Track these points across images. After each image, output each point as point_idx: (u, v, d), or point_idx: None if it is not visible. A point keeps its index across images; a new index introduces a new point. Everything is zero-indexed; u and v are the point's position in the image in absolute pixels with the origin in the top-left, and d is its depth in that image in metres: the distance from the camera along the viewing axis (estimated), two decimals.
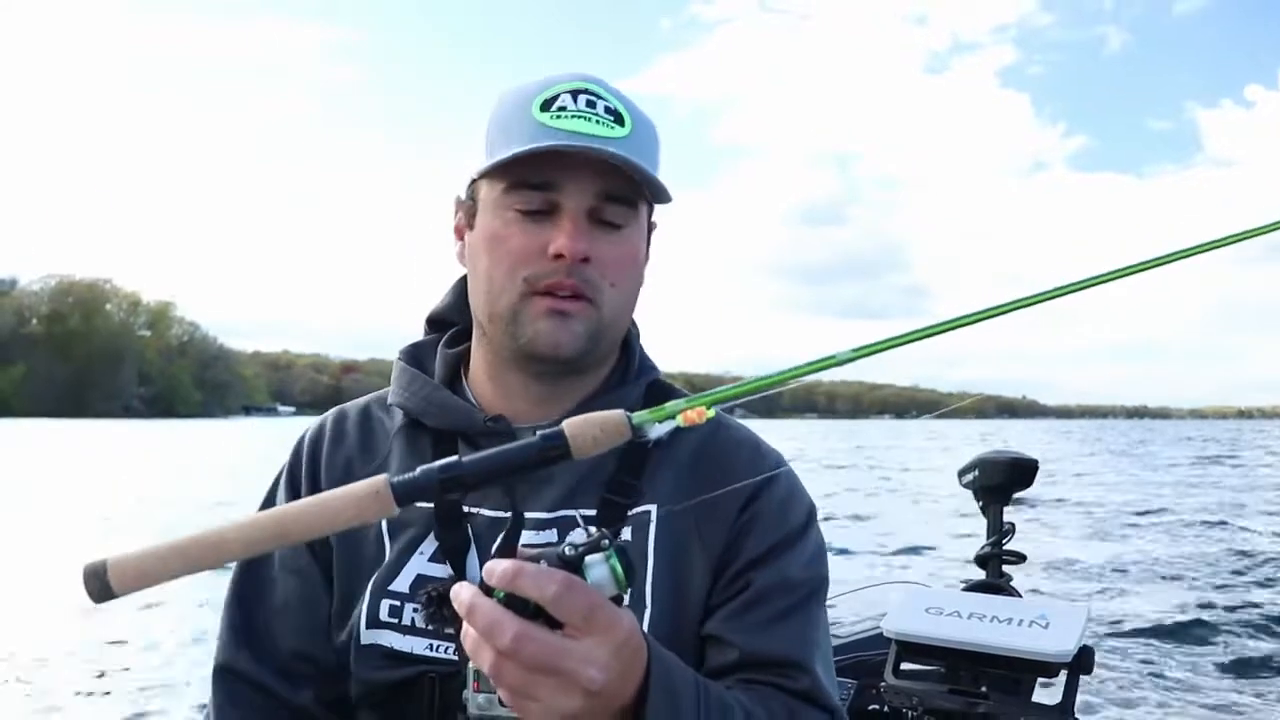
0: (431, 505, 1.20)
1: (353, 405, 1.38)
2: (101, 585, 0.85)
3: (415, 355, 1.36)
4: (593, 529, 0.92)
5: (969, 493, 3.20)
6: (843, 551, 10.54)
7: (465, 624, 0.86)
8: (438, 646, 1.19)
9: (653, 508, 1.23)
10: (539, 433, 0.88)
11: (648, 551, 1.21)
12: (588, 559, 0.87)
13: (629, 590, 0.89)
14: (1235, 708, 5.59)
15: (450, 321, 1.39)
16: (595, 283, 1.19)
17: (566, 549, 0.87)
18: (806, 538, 1.27)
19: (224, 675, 1.27)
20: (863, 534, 12.62)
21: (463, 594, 0.86)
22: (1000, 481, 3.08)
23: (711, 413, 0.85)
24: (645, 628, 1.15)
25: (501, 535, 0.93)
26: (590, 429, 0.87)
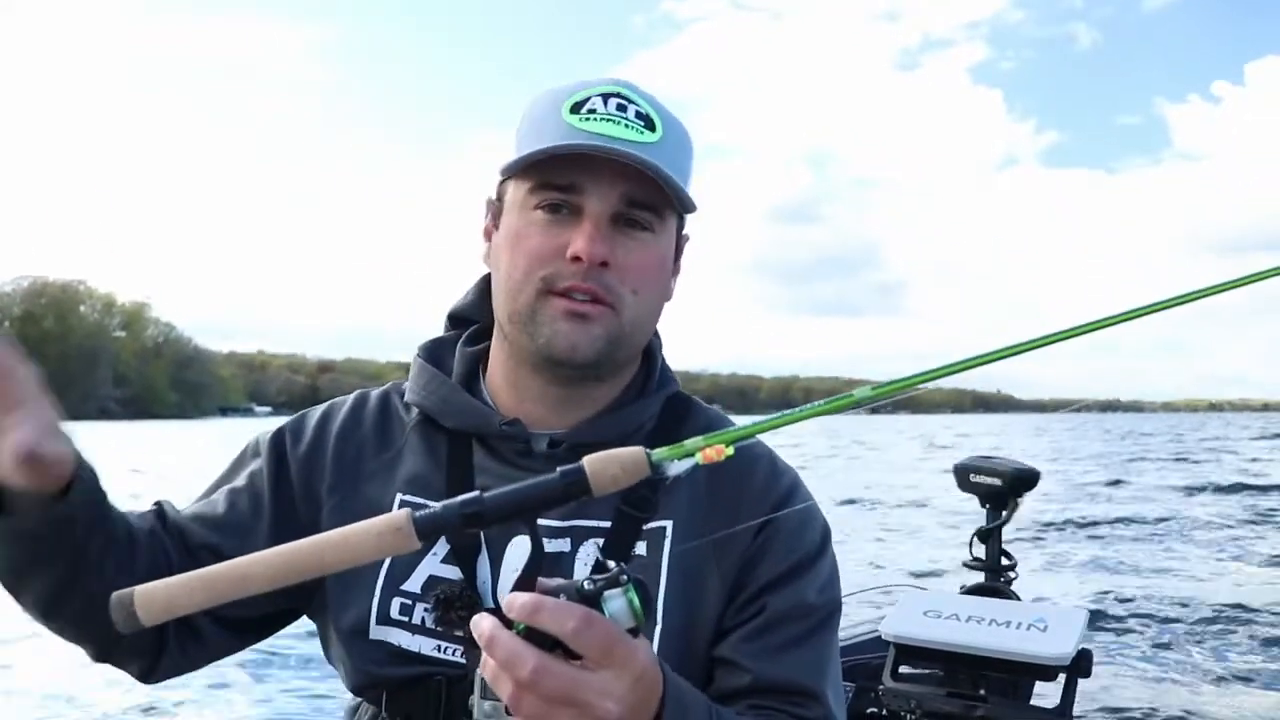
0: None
1: (375, 392, 1.38)
2: (128, 615, 0.86)
3: (435, 352, 1.35)
4: (611, 563, 0.91)
5: (963, 495, 3.24)
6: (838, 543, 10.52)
7: (485, 654, 0.87)
8: (446, 649, 1.19)
9: (668, 523, 1.22)
10: (560, 469, 0.88)
11: (661, 567, 1.21)
12: (606, 594, 0.88)
13: (646, 623, 0.90)
14: (1235, 711, 5.61)
15: (471, 319, 1.38)
16: (615, 288, 1.18)
17: (586, 583, 0.89)
18: (822, 561, 1.27)
19: (156, 505, 1.29)
20: (860, 534, 12.61)
21: (483, 625, 0.87)
22: (1001, 489, 3.11)
23: (730, 450, 0.86)
24: (655, 644, 1.17)
25: (523, 566, 0.94)
26: (610, 467, 0.88)
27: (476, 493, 0.90)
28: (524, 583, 0.93)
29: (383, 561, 1.21)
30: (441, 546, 1.22)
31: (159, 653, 1.21)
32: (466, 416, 1.26)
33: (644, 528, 1.22)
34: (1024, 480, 3.11)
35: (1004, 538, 3.12)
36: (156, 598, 0.86)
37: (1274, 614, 7.93)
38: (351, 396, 1.38)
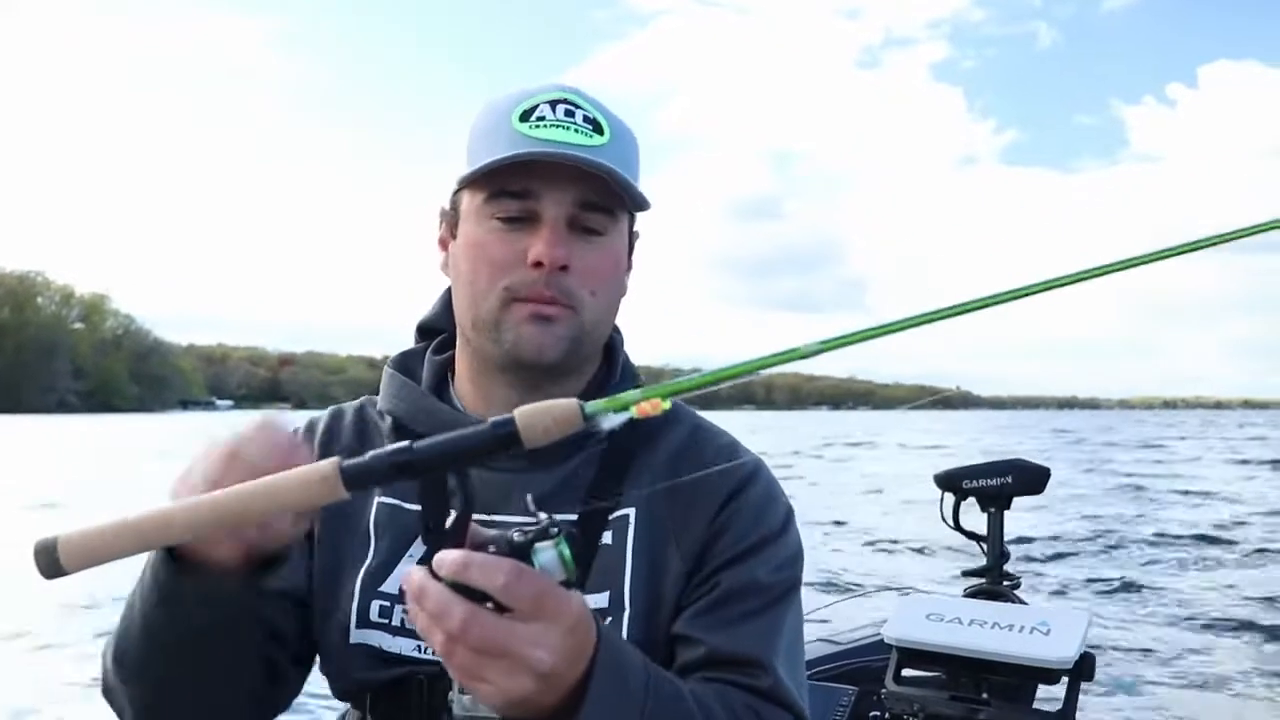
0: (420, 508, 1.23)
1: (349, 406, 1.39)
2: (51, 561, 0.85)
3: (404, 363, 1.38)
4: (542, 515, 0.90)
5: (943, 497, 3.24)
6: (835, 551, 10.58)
7: (415, 606, 0.87)
8: (425, 648, 1.20)
9: (631, 511, 1.25)
10: (491, 420, 0.86)
11: (626, 554, 1.23)
12: (536, 545, 0.88)
13: (577, 575, 0.90)
14: (1239, 714, 5.67)
15: (439, 329, 1.40)
16: (574, 291, 1.20)
17: (516, 534, 0.88)
18: (782, 540, 1.28)
19: None
20: (854, 537, 12.65)
21: (414, 576, 0.87)
22: (1008, 488, 3.12)
23: (667, 404, 0.83)
24: (624, 629, 1.20)
25: (450, 521, 0.92)
26: (542, 418, 0.85)
27: (407, 443, 0.88)
28: (454, 538, 0.89)
29: (359, 566, 1.24)
30: (418, 548, 1.23)
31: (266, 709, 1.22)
32: (437, 421, 1.27)
33: (610, 517, 1.24)
34: (1034, 478, 3.11)
35: (1003, 555, 3.12)
36: (77, 545, 0.85)
37: (1275, 612, 8.06)
38: (328, 411, 1.40)
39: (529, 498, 1.19)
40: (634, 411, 0.83)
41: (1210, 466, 25.62)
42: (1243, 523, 13.84)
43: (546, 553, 0.88)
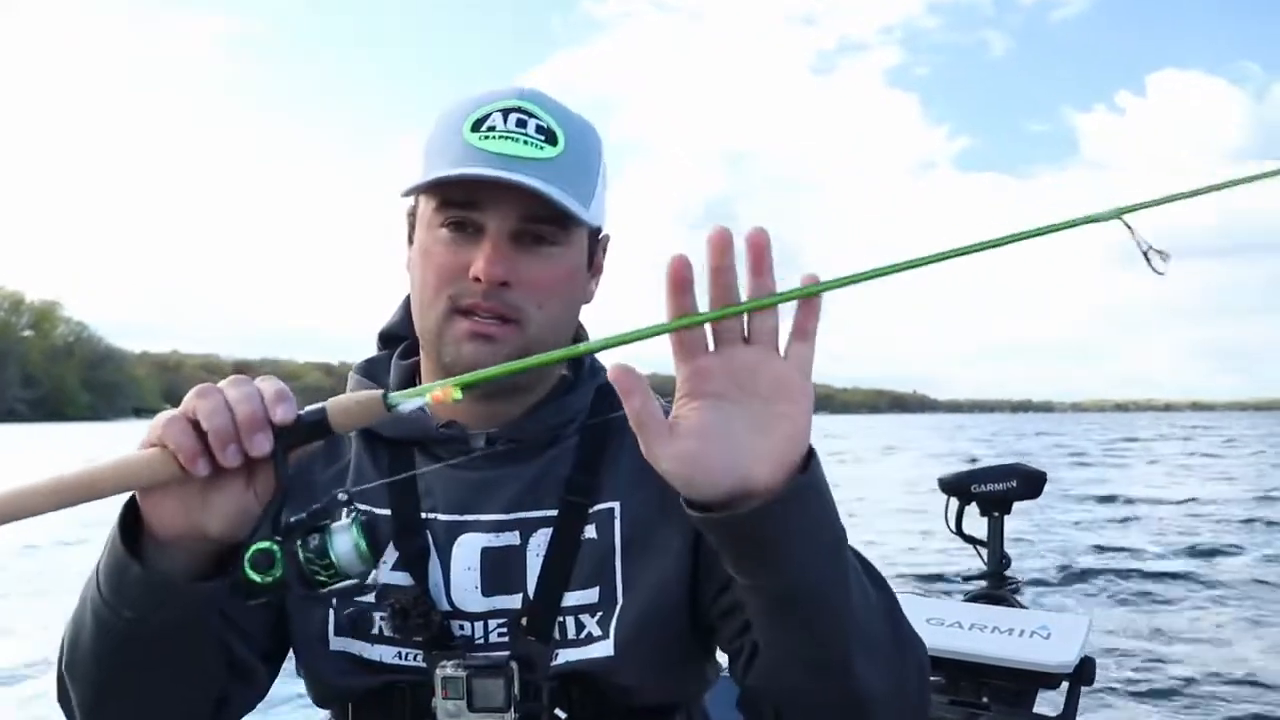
0: (391, 512, 1.23)
1: None
2: None
3: (369, 370, 1.37)
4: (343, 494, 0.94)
5: (948, 502, 3.24)
6: None
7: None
8: (405, 654, 1.21)
9: (615, 504, 1.24)
10: (299, 411, 0.90)
11: (615, 547, 1.22)
12: (333, 526, 0.92)
13: (372, 563, 0.92)
14: (1241, 717, 5.69)
15: (401, 336, 1.39)
16: (519, 305, 1.18)
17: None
18: None
19: None
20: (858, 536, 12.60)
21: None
22: (1002, 493, 3.12)
23: (458, 394, 0.86)
24: (614, 619, 1.20)
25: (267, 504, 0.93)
26: (348, 405, 0.90)
27: None
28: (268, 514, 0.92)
29: None
30: (391, 554, 1.23)
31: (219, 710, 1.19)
32: (405, 424, 1.26)
33: (591, 510, 1.24)
34: (1031, 482, 3.12)
35: (1004, 559, 3.12)
36: None
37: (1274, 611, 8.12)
38: None
39: (545, 534, 1.22)
40: (429, 399, 0.87)
41: (1193, 470, 25.81)
42: (1244, 521, 13.99)
43: (341, 535, 0.91)
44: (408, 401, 0.88)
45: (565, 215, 1.18)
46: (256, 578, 0.90)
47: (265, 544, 0.90)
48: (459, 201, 1.18)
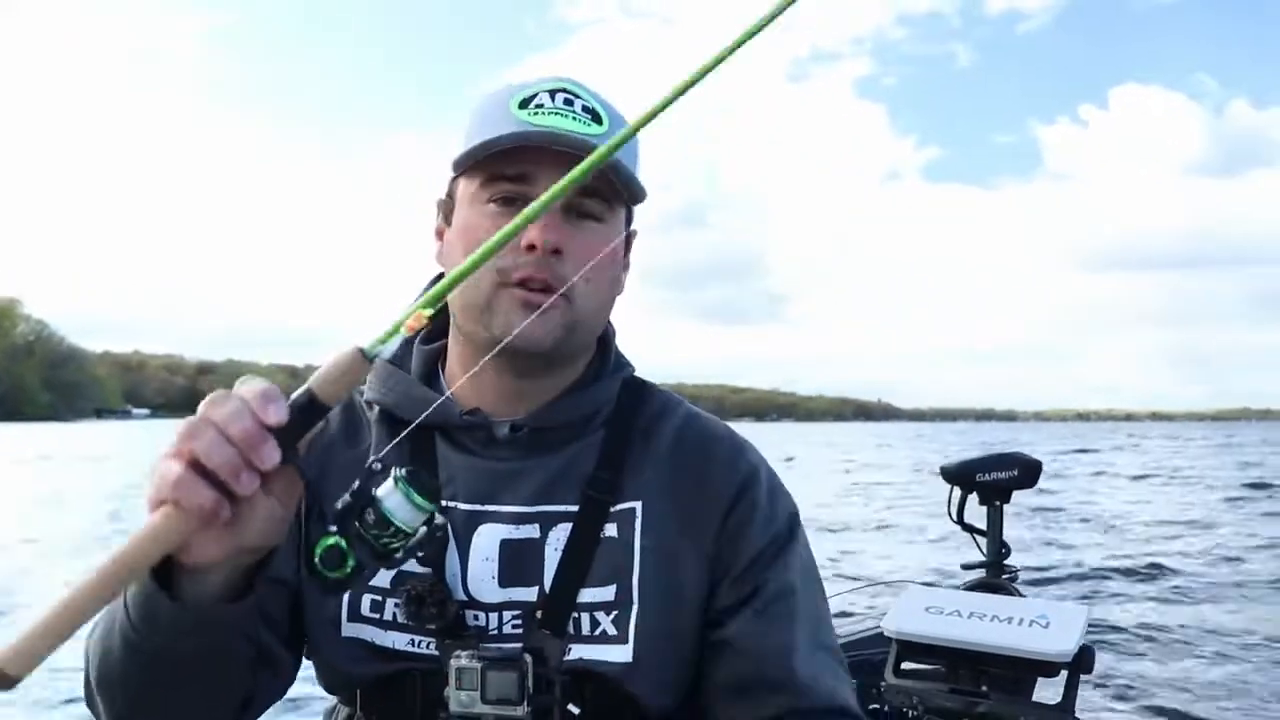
0: None
1: None
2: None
3: (393, 357, 1.36)
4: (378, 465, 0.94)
5: (951, 491, 3.25)
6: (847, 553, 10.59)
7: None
8: (419, 642, 1.20)
9: (638, 504, 1.24)
10: (292, 396, 0.87)
11: (634, 548, 1.22)
12: (379, 495, 0.90)
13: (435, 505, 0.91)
14: (1237, 708, 5.71)
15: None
16: (568, 276, 1.19)
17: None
18: (798, 533, 1.31)
19: None
20: (857, 534, 12.65)
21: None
22: (1004, 482, 3.13)
23: (428, 311, 0.85)
24: (631, 623, 1.20)
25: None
26: (332, 374, 0.86)
27: None
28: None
29: None
30: None
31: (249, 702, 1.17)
32: (426, 407, 1.24)
33: (613, 509, 1.24)
34: (1027, 472, 3.14)
35: (1003, 549, 3.14)
36: (21, 651, 0.76)
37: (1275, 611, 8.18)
38: None
39: (564, 528, 1.23)
40: (405, 331, 0.84)
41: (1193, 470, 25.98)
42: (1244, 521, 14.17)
43: (391, 499, 0.90)
44: (386, 346, 0.86)
45: (610, 192, 1.21)
46: (334, 574, 0.89)
47: (329, 540, 0.89)
48: (510, 176, 1.19)
